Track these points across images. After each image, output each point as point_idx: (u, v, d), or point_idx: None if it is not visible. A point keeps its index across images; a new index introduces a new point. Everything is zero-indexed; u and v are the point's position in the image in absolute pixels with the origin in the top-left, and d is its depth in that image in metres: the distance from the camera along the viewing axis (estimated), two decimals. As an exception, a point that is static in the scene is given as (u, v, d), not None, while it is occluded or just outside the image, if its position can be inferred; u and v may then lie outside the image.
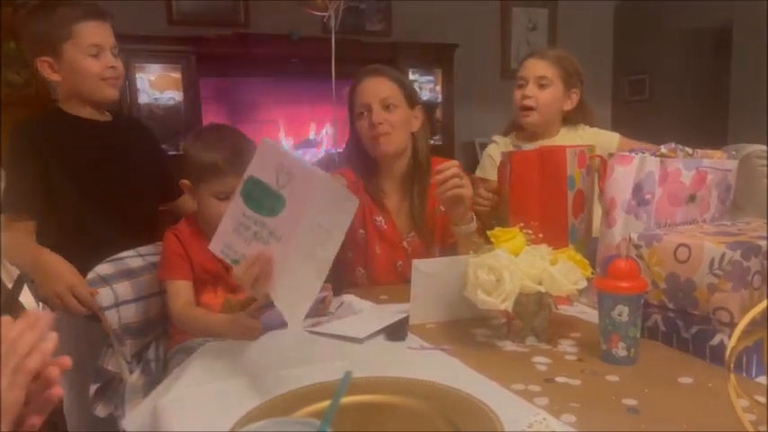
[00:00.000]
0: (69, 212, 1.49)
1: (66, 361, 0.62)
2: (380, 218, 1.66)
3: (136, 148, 1.63)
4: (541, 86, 1.85)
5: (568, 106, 1.90)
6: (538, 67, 1.86)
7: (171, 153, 4.21)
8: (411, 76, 4.80)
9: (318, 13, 2.94)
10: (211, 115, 4.19)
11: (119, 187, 1.55)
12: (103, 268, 1.32)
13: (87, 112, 1.57)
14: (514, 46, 5.39)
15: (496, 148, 1.94)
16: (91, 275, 1.30)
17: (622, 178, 1.23)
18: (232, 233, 1.01)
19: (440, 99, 4.90)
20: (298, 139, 4.48)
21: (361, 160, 1.68)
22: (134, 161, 1.60)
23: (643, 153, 1.25)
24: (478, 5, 5.09)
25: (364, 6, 4.72)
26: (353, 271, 1.67)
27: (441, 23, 4.90)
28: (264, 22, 4.35)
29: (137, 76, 4.11)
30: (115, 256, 1.36)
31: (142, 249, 1.43)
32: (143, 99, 4.17)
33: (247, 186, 1.00)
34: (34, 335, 0.59)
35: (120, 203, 1.54)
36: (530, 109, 1.85)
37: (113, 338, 1.30)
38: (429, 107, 4.92)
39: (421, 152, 1.68)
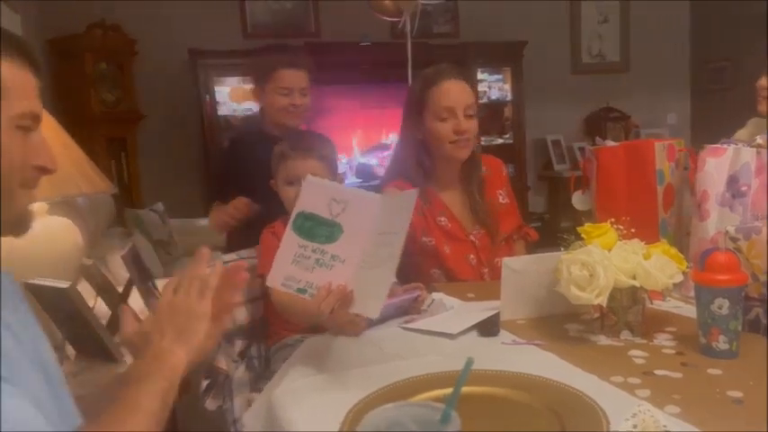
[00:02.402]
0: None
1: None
2: (443, 218, 1.69)
3: None
4: None
5: None
6: None
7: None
8: (480, 76, 4.79)
9: (391, 19, 3.00)
10: (287, 124, 4.32)
11: None
12: (212, 271, 1.42)
13: (281, 132, 1.93)
14: (585, 40, 5.29)
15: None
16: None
17: (715, 170, 1.21)
18: (291, 265, 1.08)
19: (509, 97, 4.88)
20: (371, 143, 4.56)
21: (421, 163, 1.69)
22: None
23: (736, 144, 1.23)
24: (546, 2, 5.03)
25: (431, 8, 4.75)
26: (428, 273, 1.71)
27: (509, 21, 4.87)
28: (334, 30, 4.47)
29: (215, 89, 4.30)
30: (222, 260, 1.45)
31: (243, 252, 1.52)
32: (222, 111, 4.35)
33: (299, 221, 1.09)
34: (205, 268, 0.88)
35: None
36: None
37: (223, 338, 1.40)
38: (498, 105, 4.91)
39: (476, 151, 1.74)
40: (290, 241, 1.09)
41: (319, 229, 1.07)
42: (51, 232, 1.65)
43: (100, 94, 3.84)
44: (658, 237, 1.35)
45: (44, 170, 0.80)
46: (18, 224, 0.80)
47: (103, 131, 3.79)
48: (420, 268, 1.70)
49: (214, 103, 4.28)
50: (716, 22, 5.36)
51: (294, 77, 2.00)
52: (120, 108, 3.98)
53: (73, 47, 3.70)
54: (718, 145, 1.22)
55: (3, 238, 0.80)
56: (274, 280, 1.09)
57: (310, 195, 1.09)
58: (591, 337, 1.16)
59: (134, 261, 1.75)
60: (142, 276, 1.78)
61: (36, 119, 0.79)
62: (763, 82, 1.81)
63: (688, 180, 1.43)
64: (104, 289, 1.83)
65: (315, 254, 1.07)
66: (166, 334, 0.81)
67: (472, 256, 1.69)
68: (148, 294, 1.76)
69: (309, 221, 1.08)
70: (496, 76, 4.91)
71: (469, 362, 0.65)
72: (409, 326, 1.28)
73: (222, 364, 1.37)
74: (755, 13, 5.09)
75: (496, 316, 1.26)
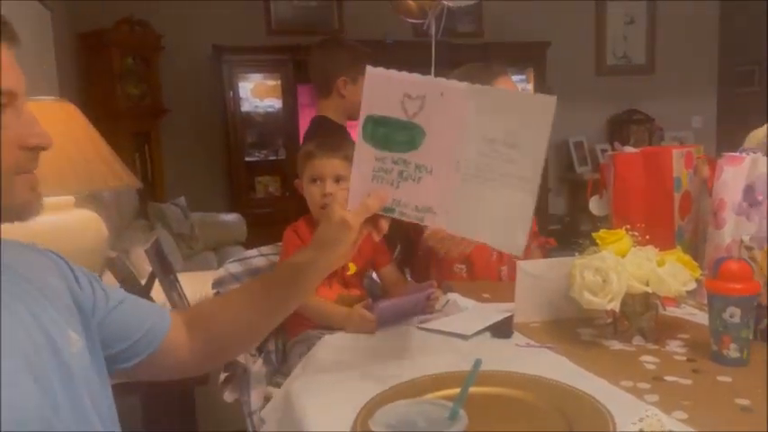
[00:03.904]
0: None
1: None
2: None
3: None
4: None
5: None
6: None
7: (271, 158, 4.43)
8: (502, 76, 4.79)
9: (415, 21, 3.01)
10: (308, 121, 4.37)
11: None
12: (234, 266, 1.45)
13: (343, 121, 2.13)
14: (610, 41, 5.25)
15: None
16: (222, 273, 1.43)
17: (732, 179, 1.21)
18: (371, 183, 0.90)
19: (532, 98, 4.86)
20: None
21: None
22: None
23: (754, 153, 1.23)
24: (571, 2, 5.00)
25: (455, 8, 4.75)
26: (451, 268, 1.73)
27: (533, 22, 4.86)
28: (358, 28, 4.49)
29: (239, 85, 4.36)
30: (242, 256, 1.49)
31: (264, 249, 1.56)
32: (245, 107, 4.41)
33: (369, 127, 0.89)
34: None
35: None
36: None
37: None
38: (520, 106, 4.89)
39: None
40: (363, 154, 0.90)
41: (396, 135, 0.88)
42: (77, 225, 1.70)
43: (126, 88, 3.92)
44: (674, 244, 1.36)
45: (37, 148, 0.72)
46: (22, 210, 0.73)
47: (128, 125, 3.86)
48: (444, 264, 1.72)
49: (237, 99, 4.34)
50: (745, 24, 5.28)
51: None
52: (144, 102, 4.05)
53: (101, 41, 3.78)
54: (737, 153, 1.22)
55: (28, 229, 0.75)
56: (355, 204, 0.91)
57: (377, 92, 0.88)
58: (603, 341, 1.17)
59: (157, 255, 1.80)
60: (164, 270, 1.83)
61: (10, 95, 0.69)
62: None
63: (706, 187, 1.43)
64: (128, 281, 1.88)
65: (397, 165, 0.89)
66: None
67: (495, 254, 1.71)
68: (170, 287, 1.80)
69: (382, 126, 0.88)
70: (519, 77, 4.90)
71: (478, 362, 0.67)
72: (424, 326, 1.30)
73: (240, 357, 1.41)
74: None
75: (510, 318, 1.27)
